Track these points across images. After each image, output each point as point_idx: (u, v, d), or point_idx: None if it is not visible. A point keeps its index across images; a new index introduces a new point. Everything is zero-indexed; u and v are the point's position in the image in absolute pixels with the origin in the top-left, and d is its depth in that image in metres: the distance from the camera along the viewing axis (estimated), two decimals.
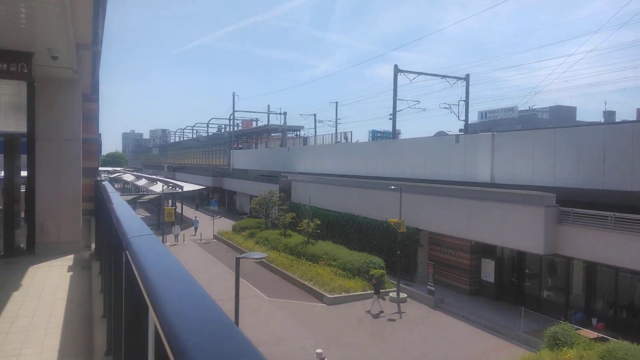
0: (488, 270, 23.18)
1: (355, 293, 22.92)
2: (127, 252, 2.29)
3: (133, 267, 1.99)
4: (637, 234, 16.03)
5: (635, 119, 41.93)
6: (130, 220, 3.11)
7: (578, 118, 63.16)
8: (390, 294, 23.06)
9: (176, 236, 37.31)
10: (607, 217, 17.11)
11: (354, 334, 18.72)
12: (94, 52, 9.79)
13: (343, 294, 22.64)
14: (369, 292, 23.28)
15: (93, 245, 10.55)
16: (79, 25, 7.31)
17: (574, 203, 18.89)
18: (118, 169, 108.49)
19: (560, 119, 59.25)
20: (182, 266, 1.82)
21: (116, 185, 75.58)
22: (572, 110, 65.52)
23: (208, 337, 1.06)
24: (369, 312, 21.09)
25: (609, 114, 61.38)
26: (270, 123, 65.52)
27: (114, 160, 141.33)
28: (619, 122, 27.57)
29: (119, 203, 4.48)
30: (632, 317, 18.02)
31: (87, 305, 6.58)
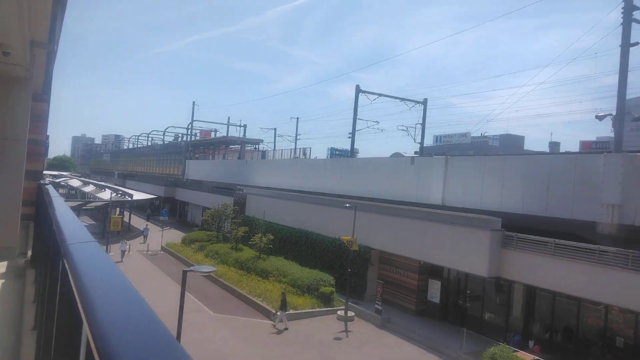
0: (434, 290, 23.67)
1: (304, 310, 22.77)
2: (65, 260, 2.18)
3: (70, 276, 1.90)
4: (574, 260, 16.89)
5: (578, 150, 44.54)
6: (71, 226, 2.97)
7: (526, 147, 66.37)
8: (339, 312, 23.07)
9: (123, 252, 33.51)
10: (547, 243, 17.93)
11: (301, 352, 18.54)
12: (49, 51, 9.40)
13: (291, 311, 22.42)
14: (318, 309, 23.23)
15: (29, 253, 9.97)
16: (36, 22, 7.00)
17: (519, 228, 19.71)
18: (64, 173, 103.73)
19: (510, 146, 62.07)
20: (125, 278, 1.75)
21: (61, 191, 72.12)
22: (520, 139, 68.81)
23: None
24: (275, 326, 20.93)
25: (554, 145, 64.85)
26: (229, 135, 64.82)
27: (61, 164, 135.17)
28: (562, 153, 29.22)
29: (61, 208, 4.28)
30: (566, 341, 18.86)
31: (17, 316, 6.19)
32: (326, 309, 23.54)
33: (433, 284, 23.78)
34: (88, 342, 1.32)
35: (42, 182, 10.49)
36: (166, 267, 31.55)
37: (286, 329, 20.78)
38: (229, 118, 67.75)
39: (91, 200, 51.84)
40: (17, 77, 9.78)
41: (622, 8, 19.05)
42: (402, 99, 37.59)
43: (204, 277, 27.29)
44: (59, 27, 7.88)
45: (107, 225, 34.94)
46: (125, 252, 33.75)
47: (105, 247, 31.33)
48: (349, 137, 37.28)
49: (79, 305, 1.52)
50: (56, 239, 2.91)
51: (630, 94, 22.74)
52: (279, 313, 21.16)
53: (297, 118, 62.97)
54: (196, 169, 59.92)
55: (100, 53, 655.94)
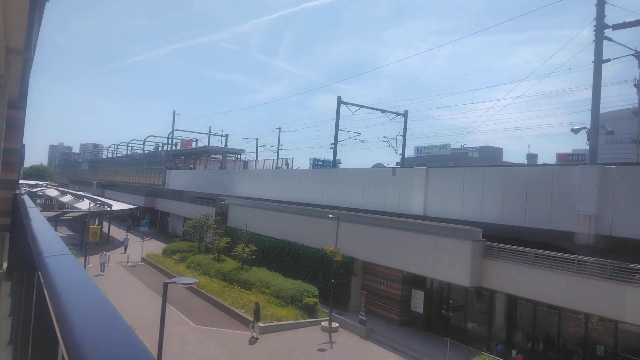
0: (417, 300, 23.73)
1: (288, 322, 22.57)
2: (40, 273, 2.11)
3: (45, 291, 1.83)
4: (554, 270, 17.14)
5: (554, 162, 45.51)
6: (47, 238, 2.89)
7: (504, 159, 67.35)
8: (323, 323, 22.92)
9: (102, 265, 32.27)
10: (527, 253, 18.18)
11: None
12: (26, 57, 9.22)
13: (275, 323, 22.21)
14: (302, 320, 23.05)
15: (5, 264, 9.68)
16: (11, 28, 6.87)
17: (499, 238, 19.95)
18: (41, 182, 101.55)
19: (489, 158, 62.98)
20: (100, 291, 1.69)
21: (38, 201, 70.49)
22: (499, 151, 69.85)
23: None
24: (252, 337, 20.81)
25: (532, 157, 65.99)
26: (211, 144, 64.41)
27: (37, 173, 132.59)
28: (540, 165, 29.81)
29: (37, 219, 4.16)
30: (548, 349, 19.06)
31: None
32: (310, 320, 23.37)
33: (416, 294, 23.85)
34: (64, 357, 1.26)
35: (17, 192, 10.23)
36: (147, 279, 31.00)
37: (256, 339, 20.66)
38: (210, 128, 67.76)
39: (69, 210, 50.79)
40: None
41: (594, 26, 19.64)
42: (383, 111, 37.97)
43: (185, 288, 26.88)
44: (35, 34, 7.74)
45: (86, 236, 34.21)
46: (105, 264, 32.67)
47: (83, 258, 30.62)
48: (331, 148, 37.43)
49: (54, 319, 1.47)
50: (31, 251, 2.82)
51: (604, 108, 23.39)
52: (257, 323, 21.02)
53: (279, 128, 62.87)
54: (177, 179, 59.29)
55: (79, 61, 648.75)
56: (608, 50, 19.55)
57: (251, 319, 22.26)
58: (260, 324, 21.75)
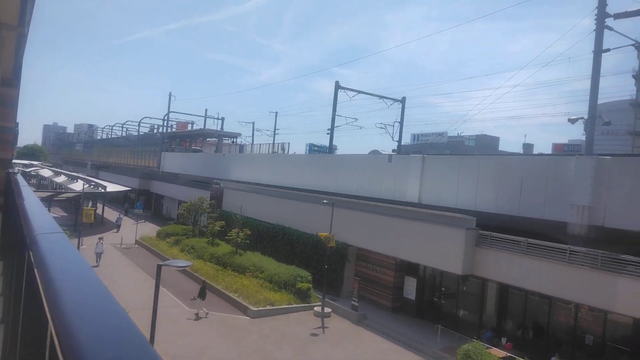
0: (410, 287, 23.92)
1: (281, 306, 22.71)
2: (31, 252, 2.06)
3: (35, 270, 1.79)
4: (546, 259, 17.28)
5: (550, 152, 45.65)
6: (39, 216, 2.84)
7: (500, 148, 67.49)
8: (315, 309, 23.08)
9: (99, 255, 29.27)
10: (520, 242, 18.29)
11: (277, 348, 18.48)
12: (19, 33, 9.04)
13: (268, 307, 22.34)
14: (295, 305, 23.20)
15: None
16: (4, 2, 6.71)
17: (493, 227, 20.03)
18: (35, 162, 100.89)
19: (485, 147, 63.07)
20: (93, 273, 1.65)
21: (32, 181, 70.06)
22: (495, 140, 69.95)
23: None
24: (197, 314, 21.23)
25: (528, 146, 66.17)
26: (206, 127, 64.05)
27: (31, 153, 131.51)
28: (536, 155, 29.83)
29: (29, 198, 4.10)
30: (537, 337, 19.31)
31: None
32: (303, 305, 23.52)
33: (409, 281, 24.02)
34: (54, 345, 1.23)
35: (11, 171, 10.12)
36: (140, 261, 31.03)
37: (207, 313, 21.20)
38: (206, 110, 67.13)
39: (63, 191, 50.53)
40: None
41: (595, 15, 19.49)
42: (381, 97, 37.74)
43: (179, 272, 26.92)
44: (29, 9, 7.57)
45: (80, 217, 34.10)
46: (101, 255, 29.58)
47: (77, 239, 30.55)
48: (328, 133, 37.28)
49: (43, 297, 1.43)
50: (23, 230, 2.78)
51: (602, 98, 23.32)
52: (197, 300, 21.40)
53: (276, 113, 62.63)
54: (172, 162, 59.05)
55: (74, 39, 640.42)
56: (608, 40, 19.43)
57: (245, 302, 22.39)
58: (253, 308, 21.88)
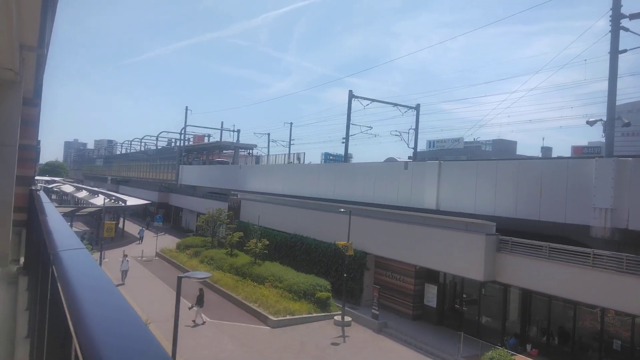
0: (430, 295, 23.65)
1: (300, 316, 22.66)
2: (54, 267, 2.13)
3: (59, 285, 1.85)
4: (569, 264, 16.93)
5: (570, 155, 44.89)
6: (62, 233, 2.92)
7: (518, 152, 66.56)
8: (336, 318, 22.97)
9: (124, 273, 28.09)
10: (542, 247, 17.97)
11: (298, 358, 18.42)
12: (39, 54, 9.31)
13: (288, 317, 22.31)
14: (315, 315, 23.13)
15: (22, 259, 9.84)
16: (25, 25, 6.93)
17: (513, 232, 19.74)
18: (57, 179, 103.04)
19: (502, 152, 62.30)
20: (115, 288, 1.70)
21: (53, 197, 71.57)
22: (513, 144, 69.06)
23: None
24: (194, 321, 21.34)
25: (546, 150, 65.10)
26: (223, 140, 64.71)
27: (53, 169, 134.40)
28: (555, 158, 29.39)
29: (52, 214, 4.21)
30: (563, 344, 18.87)
31: (10, 323, 6.08)
32: (323, 314, 23.44)
33: (429, 288, 23.76)
34: (77, 351, 1.26)
35: (33, 188, 10.38)
36: (161, 273, 31.35)
37: (205, 322, 21.42)
38: (222, 123, 67.70)
39: (84, 206, 51.48)
40: (6, 81, 9.65)
41: (610, 16, 19.22)
42: (395, 104, 37.72)
43: (199, 283, 27.10)
44: (49, 31, 7.81)
45: (101, 231, 34.65)
46: (127, 272, 28.40)
47: (99, 253, 31.02)
48: (343, 142, 37.39)
49: (68, 319, 1.47)
50: (46, 246, 2.85)
51: (620, 99, 22.95)
52: (195, 308, 21.60)
53: (291, 123, 62.99)
54: (190, 175, 59.72)
55: (92, 57, 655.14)
56: (624, 40, 19.16)
57: (265, 312, 22.41)
58: (273, 318, 21.88)
